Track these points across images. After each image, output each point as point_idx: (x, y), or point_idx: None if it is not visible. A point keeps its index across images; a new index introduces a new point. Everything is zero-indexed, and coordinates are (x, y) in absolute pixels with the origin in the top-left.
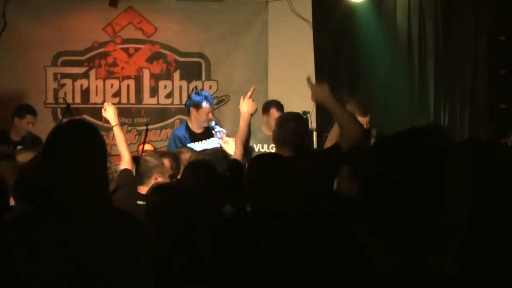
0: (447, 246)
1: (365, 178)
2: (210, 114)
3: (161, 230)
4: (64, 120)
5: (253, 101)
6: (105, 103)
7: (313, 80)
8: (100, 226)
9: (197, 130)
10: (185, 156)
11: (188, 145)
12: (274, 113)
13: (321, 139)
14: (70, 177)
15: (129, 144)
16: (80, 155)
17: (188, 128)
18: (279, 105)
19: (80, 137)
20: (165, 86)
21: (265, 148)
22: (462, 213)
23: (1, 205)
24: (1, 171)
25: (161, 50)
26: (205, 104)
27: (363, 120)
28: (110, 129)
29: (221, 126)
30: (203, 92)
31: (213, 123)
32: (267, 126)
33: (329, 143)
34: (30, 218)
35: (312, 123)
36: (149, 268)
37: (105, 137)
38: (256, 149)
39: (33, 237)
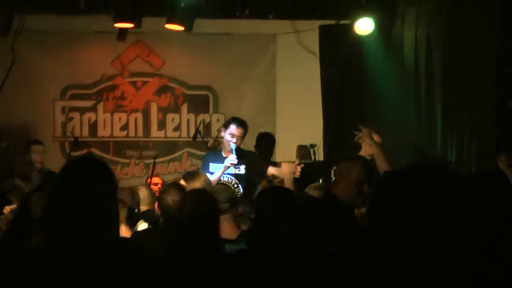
0: (455, 279)
1: (374, 210)
2: (236, 139)
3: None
4: (72, 153)
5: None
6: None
7: (321, 113)
8: (108, 261)
9: (225, 153)
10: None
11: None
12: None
13: (328, 172)
14: (80, 212)
15: (136, 177)
16: (91, 191)
17: (219, 151)
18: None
19: (90, 174)
20: (173, 119)
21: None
22: (470, 245)
23: (23, 233)
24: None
25: (169, 83)
26: (232, 125)
27: (378, 138)
28: (118, 162)
29: (237, 157)
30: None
31: (233, 147)
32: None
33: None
34: (41, 251)
35: (320, 156)
36: None
37: (113, 171)
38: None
39: (40, 270)
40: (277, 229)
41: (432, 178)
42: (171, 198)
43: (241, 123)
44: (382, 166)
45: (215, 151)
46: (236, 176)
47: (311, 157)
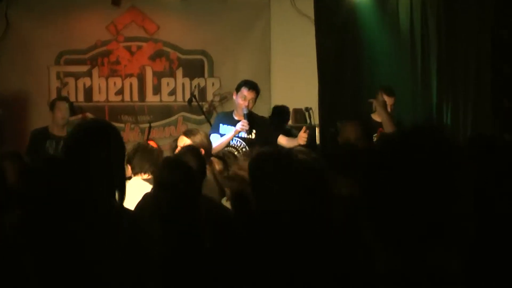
0: (452, 243)
1: (368, 176)
2: (247, 103)
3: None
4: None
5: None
6: None
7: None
8: (109, 224)
9: (237, 115)
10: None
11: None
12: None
13: (324, 134)
14: (90, 177)
15: (132, 142)
16: (100, 153)
17: (231, 112)
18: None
19: (100, 136)
20: (168, 84)
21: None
22: (466, 209)
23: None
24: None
25: (164, 48)
26: (243, 88)
27: (388, 99)
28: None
29: (250, 120)
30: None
31: (245, 111)
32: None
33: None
34: (36, 217)
35: (315, 119)
36: (155, 266)
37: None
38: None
39: (40, 236)
40: (272, 197)
41: (428, 141)
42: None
43: (252, 85)
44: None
45: (227, 112)
46: (245, 140)
47: (306, 121)
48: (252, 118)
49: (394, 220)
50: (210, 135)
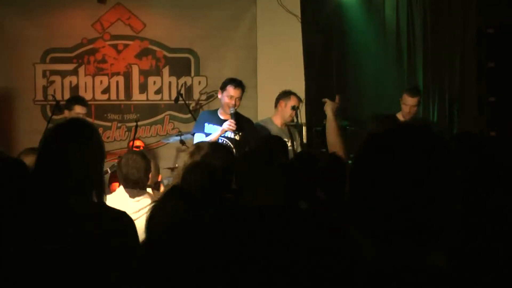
0: (438, 239)
1: (355, 173)
2: (234, 101)
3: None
4: (54, 117)
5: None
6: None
7: (303, 75)
8: (89, 224)
9: (222, 114)
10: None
11: (207, 125)
12: (293, 99)
13: (310, 133)
14: (65, 175)
15: (118, 141)
16: (77, 153)
17: (216, 111)
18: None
19: (78, 135)
20: (155, 82)
21: None
22: (453, 206)
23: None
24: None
25: (150, 46)
26: (229, 86)
27: (411, 100)
28: (100, 126)
29: (237, 120)
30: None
31: (232, 111)
32: (281, 116)
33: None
34: (22, 212)
35: (302, 118)
36: (139, 265)
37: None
38: None
39: (21, 231)
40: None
41: (415, 138)
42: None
43: (238, 83)
44: (330, 137)
45: (212, 111)
46: (231, 140)
47: (293, 119)
48: (238, 118)
49: (381, 217)
50: (194, 134)
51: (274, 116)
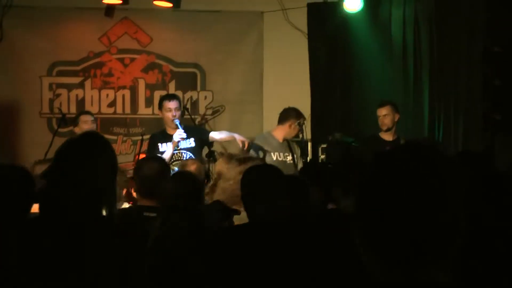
0: (444, 257)
1: (361, 192)
2: (174, 112)
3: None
4: (60, 130)
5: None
6: None
7: (308, 91)
8: (97, 239)
9: (170, 131)
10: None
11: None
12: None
13: (316, 149)
14: (76, 188)
15: (124, 154)
16: (90, 167)
17: (163, 130)
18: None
19: (92, 149)
20: (161, 96)
21: (281, 157)
22: (458, 223)
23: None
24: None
25: (157, 61)
26: (164, 102)
27: (379, 111)
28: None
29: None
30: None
31: (177, 122)
32: (286, 133)
33: None
34: (34, 226)
35: (308, 134)
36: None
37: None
38: (274, 158)
39: (32, 244)
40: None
41: (420, 158)
42: None
43: (171, 96)
44: None
45: (159, 132)
46: (189, 150)
47: (298, 135)
48: (184, 127)
49: (387, 234)
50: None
51: (275, 131)
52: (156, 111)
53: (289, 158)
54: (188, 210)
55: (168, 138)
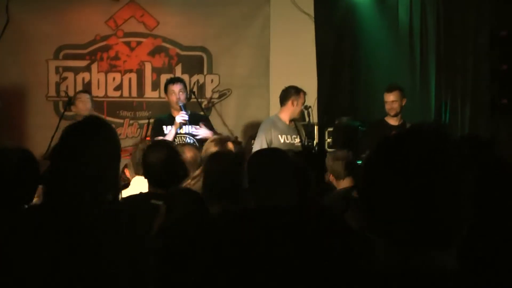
0: (450, 242)
1: (368, 176)
2: (178, 95)
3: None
4: (66, 113)
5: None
6: None
7: (315, 75)
8: (102, 223)
9: (175, 114)
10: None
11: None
12: (303, 97)
13: (322, 133)
14: (79, 173)
15: (131, 138)
16: (93, 151)
17: (168, 114)
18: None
19: (94, 133)
20: (166, 80)
21: (289, 139)
22: (464, 209)
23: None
24: None
25: (163, 44)
26: (168, 86)
27: (388, 96)
28: (112, 123)
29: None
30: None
31: (180, 104)
32: (290, 112)
33: None
34: (38, 212)
35: (314, 118)
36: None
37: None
38: (282, 140)
39: (36, 231)
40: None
41: (427, 141)
42: None
43: (175, 79)
44: None
45: (163, 115)
46: (192, 136)
47: (305, 119)
48: (191, 114)
49: (392, 217)
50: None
51: (281, 113)
52: (163, 94)
53: (297, 140)
54: (193, 194)
55: (172, 120)
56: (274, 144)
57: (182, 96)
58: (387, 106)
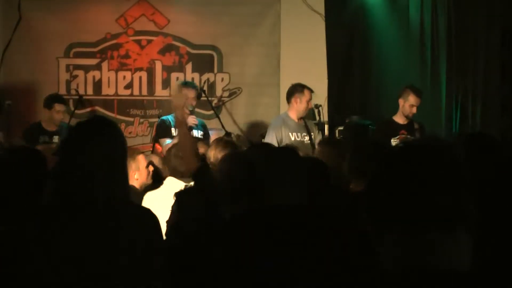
0: (452, 224)
1: (373, 185)
2: (191, 101)
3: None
4: (76, 111)
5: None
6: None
7: (325, 74)
8: (115, 221)
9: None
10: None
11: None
12: (307, 94)
13: (332, 132)
14: (90, 173)
15: (141, 136)
16: (101, 151)
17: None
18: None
19: (101, 133)
20: (177, 78)
21: (299, 137)
22: (463, 196)
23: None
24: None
25: (174, 42)
26: (186, 88)
27: (417, 100)
28: (122, 121)
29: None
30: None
31: (190, 108)
32: (296, 110)
33: None
34: (52, 210)
35: (324, 117)
36: (164, 264)
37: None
38: (293, 138)
39: (51, 228)
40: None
41: (432, 156)
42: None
43: (191, 85)
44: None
45: (170, 118)
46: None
47: (315, 118)
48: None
49: (400, 211)
50: (157, 141)
51: (289, 111)
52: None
53: (307, 138)
54: (202, 192)
55: None
56: (285, 142)
57: (194, 102)
58: (407, 108)
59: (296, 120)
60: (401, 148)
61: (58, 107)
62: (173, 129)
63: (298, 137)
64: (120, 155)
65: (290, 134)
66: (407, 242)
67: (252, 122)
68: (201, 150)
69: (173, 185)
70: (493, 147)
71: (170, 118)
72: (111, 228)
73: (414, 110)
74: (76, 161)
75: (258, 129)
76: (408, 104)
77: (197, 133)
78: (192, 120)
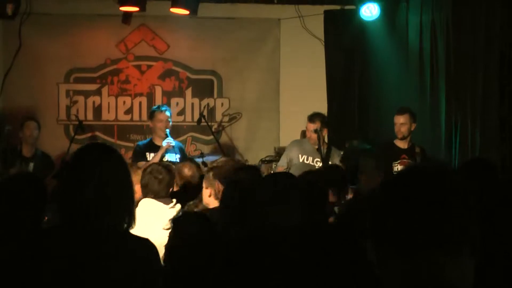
0: (458, 248)
1: (375, 214)
2: (165, 123)
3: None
4: (76, 137)
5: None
6: None
7: (325, 98)
8: (112, 250)
9: (156, 141)
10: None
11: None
12: (309, 125)
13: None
14: (95, 199)
15: None
16: (108, 176)
17: (149, 140)
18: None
19: (107, 159)
20: (177, 104)
21: (309, 160)
22: (468, 220)
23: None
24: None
25: (174, 68)
26: (156, 113)
27: (398, 118)
28: (122, 146)
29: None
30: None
31: (166, 131)
32: (309, 139)
33: None
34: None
35: (325, 138)
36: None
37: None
38: (300, 160)
39: (55, 251)
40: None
41: (424, 185)
42: None
43: (162, 107)
44: None
45: (144, 142)
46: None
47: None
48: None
49: (406, 236)
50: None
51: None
52: (173, 118)
53: (319, 164)
54: (198, 216)
55: (155, 148)
56: (293, 162)
57: (169, 124)
58: (396, 128)
59: (314, 146)
60: (405, 174)
61: (29, 124)
62: (147, 154)
63: (307, 160)
64: (125, 180)
65: (299, 155)
66: (413, 267)
67: (252, 146)
68: (189, 172)
69: (148, 206)
70: (493, 171)
71: (145, 142)
72: (110, 257)
73: (403, 129)
74: (81, 187)
75: (258, 153)
76: (396, 124)
77: (173, 157)
78: (167, 142)
